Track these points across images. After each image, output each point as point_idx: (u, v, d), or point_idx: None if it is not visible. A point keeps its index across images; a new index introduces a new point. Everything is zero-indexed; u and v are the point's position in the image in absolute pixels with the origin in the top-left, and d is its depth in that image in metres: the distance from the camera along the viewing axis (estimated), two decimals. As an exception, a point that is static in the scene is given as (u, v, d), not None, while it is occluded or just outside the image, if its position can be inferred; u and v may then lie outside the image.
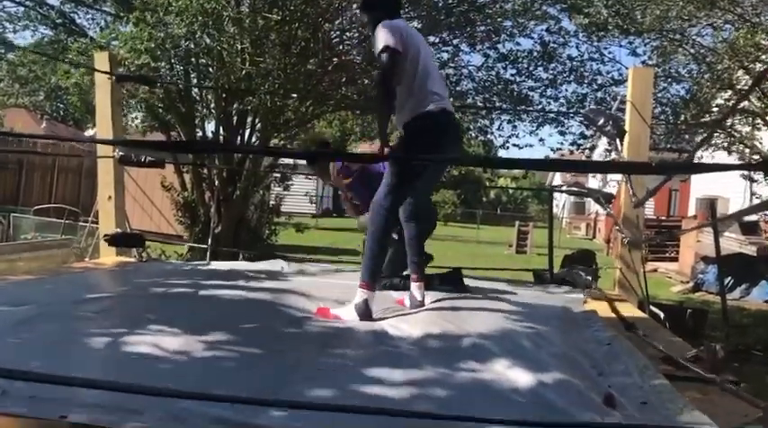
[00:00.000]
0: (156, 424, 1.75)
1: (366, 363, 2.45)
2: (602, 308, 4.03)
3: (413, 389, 2.17)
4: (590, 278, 4.94)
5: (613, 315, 3.83)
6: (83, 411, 1.78)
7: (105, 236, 5.15)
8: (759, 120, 9.58)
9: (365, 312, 3.28)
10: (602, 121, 4.89)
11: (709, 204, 11.87)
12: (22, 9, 9.18)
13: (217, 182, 8.70)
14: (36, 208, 12.25)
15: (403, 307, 3.64)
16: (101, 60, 5.37)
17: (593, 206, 27.43)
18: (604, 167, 6.94)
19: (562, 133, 9.97)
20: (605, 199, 5.66)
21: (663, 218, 21.39)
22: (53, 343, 2.51)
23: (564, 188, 14.75)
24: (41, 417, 1.76)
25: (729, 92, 9.45)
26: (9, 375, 1.63)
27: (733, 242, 12.29)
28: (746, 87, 8.94)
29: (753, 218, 12.87)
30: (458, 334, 2.89)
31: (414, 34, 3.61)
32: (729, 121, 9.57)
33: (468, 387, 2.25)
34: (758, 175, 10.88)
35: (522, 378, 2.29)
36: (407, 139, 3.55)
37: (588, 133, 9.88)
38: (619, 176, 5.98)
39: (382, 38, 3.35)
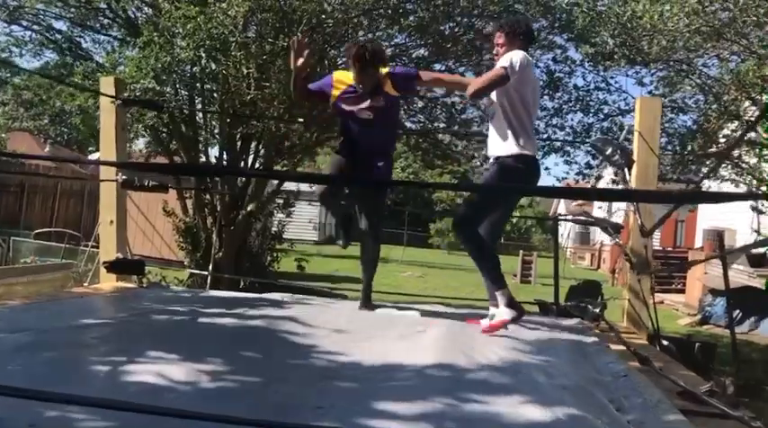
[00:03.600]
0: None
1: (372, 395, 2.35)
2: (612, 341, 3.94)
3: (421, 423, 2.08)
4: (597, 310, 4.83)
5: (623, 347, 3.73)
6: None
7: (104, 262, 5.00)
8: (767, 152, 9.51)
9: (514, 304, 3.77)
10: (610, 151, 4.83)
11: (717, 236, 11.77)
12: (29, 33, 9.21)
13: (219, 208, 8.64)
14: (37, 232, 12.18)
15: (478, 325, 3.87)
16: (106, 84, 5.33)
17: (598, 236, 27.30)
18: (616, 196, 6.89)
19: (568, 162, 9.93)
20: (614, 228, 5.57)
21: (669, 249, 21.25)
22: (51, 371, 2.42)
23: (570, 217, 14.66)
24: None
25: (737, 123, 9.40)
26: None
27: (741, 274, 12.16)
28: (753, 118, 8.89)
29: (761, 250, 12.74)
30: (466, 366, 2.80)
31: (533, 73, 3.98)
32: (737, 153, 9.51)
33: (479, 422, 2.15)
34: (766, 207, 10.78)
35: (535, 412, 2.20)
36: (504, 174, 3.83)
37: (594, 163, 9.82)
38: (624, 206, 5.90)
39: (512, 59, 3.70)
